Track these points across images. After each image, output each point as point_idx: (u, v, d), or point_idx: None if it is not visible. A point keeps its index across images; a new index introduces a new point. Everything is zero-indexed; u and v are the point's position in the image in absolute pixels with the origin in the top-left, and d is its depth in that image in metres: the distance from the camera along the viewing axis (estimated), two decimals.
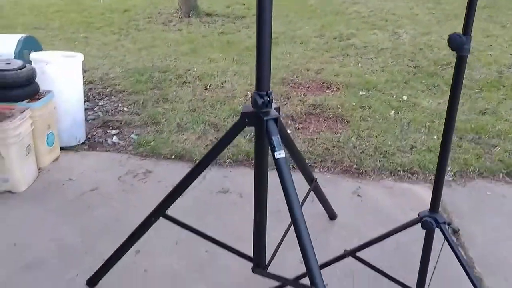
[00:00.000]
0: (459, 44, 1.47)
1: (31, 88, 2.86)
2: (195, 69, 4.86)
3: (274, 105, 1.59)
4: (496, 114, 3.72)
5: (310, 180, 2.12)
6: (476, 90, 4.26)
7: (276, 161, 1.51)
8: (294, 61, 5.13)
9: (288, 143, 1.84)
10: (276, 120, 1.56)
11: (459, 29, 1.47)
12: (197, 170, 1.73)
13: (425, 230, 1.71)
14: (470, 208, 2.58)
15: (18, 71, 2.76)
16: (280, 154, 1.51)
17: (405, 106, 3.89)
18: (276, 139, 1.53)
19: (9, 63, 2.82)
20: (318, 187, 2.23)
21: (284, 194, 1.50)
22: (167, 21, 7.36)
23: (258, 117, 1.55)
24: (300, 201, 1.54)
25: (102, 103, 4.02)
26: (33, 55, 3.10)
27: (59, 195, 2.65)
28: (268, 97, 1.54)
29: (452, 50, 1.51)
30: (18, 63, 2.83)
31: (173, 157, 3.10)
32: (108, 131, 3.49)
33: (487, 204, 2.64)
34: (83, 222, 2.41)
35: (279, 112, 1.60)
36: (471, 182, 2.81)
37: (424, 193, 2.66)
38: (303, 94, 4.17)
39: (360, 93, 4.20)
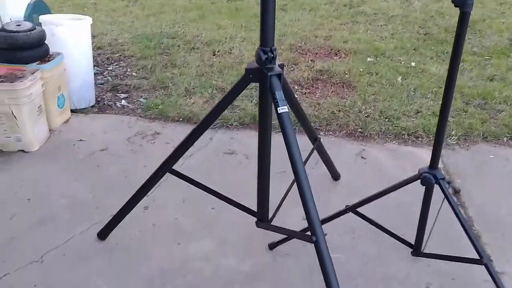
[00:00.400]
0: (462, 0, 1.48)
1: (41, 49, 2.90)
2: (203, 35, 4.86)
3: (278, 62, 1.63)
4: (504, 81, 3.71)
5: (314, 139, 2.16)
6: (486, 57, 4.23)
7: (279, 115, 1.54)
8: (302, 28, 5.10)
9: (291, 100, 1.87)
10: (279, 76, 1.59)
11: None
12: (204, 124, 1.77)
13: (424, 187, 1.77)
14: (473, 170, 2.62)
15: (28, 32, 2.80)
16: (283, 109, 1.55)
17: (413, 72, 3.89)
18: (279, 94, 1.57)
19: (20, 25, 2.86)
20: (322, 147, 2.27)
21: (287, 148, 1.54)
22: None
23: (261, 73, 1.58)
24: (304, 160, 1.59)
25: (111, 68, 4.05)
26: (43, 18, 3.13)
27: (70, 155, 2.72)
28: (272, 53, 1.56)
29: (455, 6, 1.52)
30: (28, 25, 2.87)
31: (181, 119, 3.15)
32: (117, 95, 3.54)
33: (490, 166, 2.67)
34: (94, 180, 2.49)
35: (282, 69, 1.63)
36: (475, 146, 2.84)
37: (428, 156, 2.68)
38: (311, 60, 4.17)
39: (368, 59, 4.19)
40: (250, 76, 1.62)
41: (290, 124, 1.55)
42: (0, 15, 2.92)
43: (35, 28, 2.85)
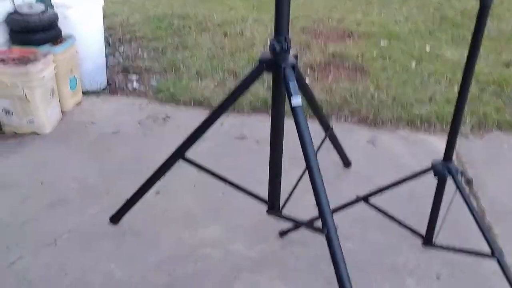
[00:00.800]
0: None
1: (53, 32, 2.89)
2: (214, 17, 4.81)
3: (292, 52, 1.61)
4: None
5: (326, 127, 2.15)
6: (503, 42, 4.14)
7: (293, 109, 1.53)
8: (315, 10, 5.03)
9: (305, 90, 1.86)
10: (293, 66, 1.57)
11: None
12: (216, 114, 1.77)
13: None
14: (486, 159, 2.59)
15: (41, 15, 2.79)
16: (297, 101, 1.53)
17: (427, 57, 3.83)
18: (293, 85, 1.55)
19: (32, 7, 2.85)
20: (333, 135, 2.26)
21: (300, 142, 1.53)
22: None
23: (275, 63, 1.57)
24: (316, 149, 1.58)
25: (122, 49, 4.04)
26: (55, 0, 3.10)
27: (82, 137, 2.74)
28: (286, 43, 1.55)
29: None
30: (41, 7, 2.86)
31: (192, 103, 3.14)
32: (128, 77, 3.54)
33: (504, 156, 2.64)
34: (105, 163, 2.51)
35: (297, 60, 1.61)
36: (488, 135, 2.80)
37: (441, 143, 2.67)
38: (324, 44, 4.12)
39: (381, 43, 4.13)
40: (264, 66, 1.60)
41: (304, 117, 1.53)
42: None
43: (47, 11, 2.84)
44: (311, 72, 3.57)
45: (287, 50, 1.56)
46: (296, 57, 1.63)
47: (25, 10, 2.80)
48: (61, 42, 2.92)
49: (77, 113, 3.01)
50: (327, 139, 2.21)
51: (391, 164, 2.52)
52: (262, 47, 4.06)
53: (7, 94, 2.63)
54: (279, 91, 1.61)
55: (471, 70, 1.52)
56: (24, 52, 2.72)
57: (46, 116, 2.75)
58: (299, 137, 1.53)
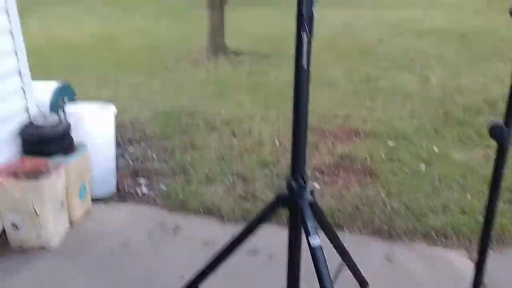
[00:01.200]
0: (501, 136, 1.45)
1: (66, 142, 2.93)
2: (222, 113, 4.91)
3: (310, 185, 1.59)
4: None
5: (341, 252, 2.08)
6: None
7: (311, 249, 1.48)
8: (321, 106, 5.13)
9: (322, 222, 1.81)
10: (311, 204, 1.55)
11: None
12: (229, 249, 1.72)
13: None
14: (508, 278, 2.49)
15: (55, 126, 2.84)
16: (316, 242, 1.49)
17: (436, 158, 3.83)
18: (311, 224, 1.51)
19: (46, 118, 2.90)
20: (349, 256, 2.19)
21: (319, 281, 1.47)
22: (195, 61, 7.52)
23: (292, 200, 1.54)
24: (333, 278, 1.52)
25: (132, 150, 4.08)
26: (69, 109, 3.17)
27: (90, 252, 2.67)
28: (304, 182, 1.53)
29: (493, 139, 1.49)
30: (55, 118, 2.91)
31: (201, 211, 3.10)
32: (137, 180, 3.53)
33: None
34: (114, 281, 2.41)
35: (314, 196, 1.59)
36: (508, 249, 2.72)
37: (459, 259, 2.59)
38: (331, 143, 4.15)
39: (388, 142, 4.16)
40: (280, 203, 1.58)
41: (323, 258, 1.48)
42: (28, 107, 2.97)
43: (61, 122, 2.89)
44: (320, 176, 3.56)
45: (305, 189, 1.54)
46: (313, 193, 1.60)
47: (40, 122, 2.86)
48: (73, 151, 2.95)
49: (86, 223, 2.96)
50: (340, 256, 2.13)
51: (410, 284, 2.41)
52: (270, 147, 4.10)
53: (17, 208, 2.60)
54: (296, 229, 1.57)
55: (491, 216, 1.48)
56: (35, 164, 2.72)
57: (55, 229, 2.70)
58: (317, 277, 1.47)
